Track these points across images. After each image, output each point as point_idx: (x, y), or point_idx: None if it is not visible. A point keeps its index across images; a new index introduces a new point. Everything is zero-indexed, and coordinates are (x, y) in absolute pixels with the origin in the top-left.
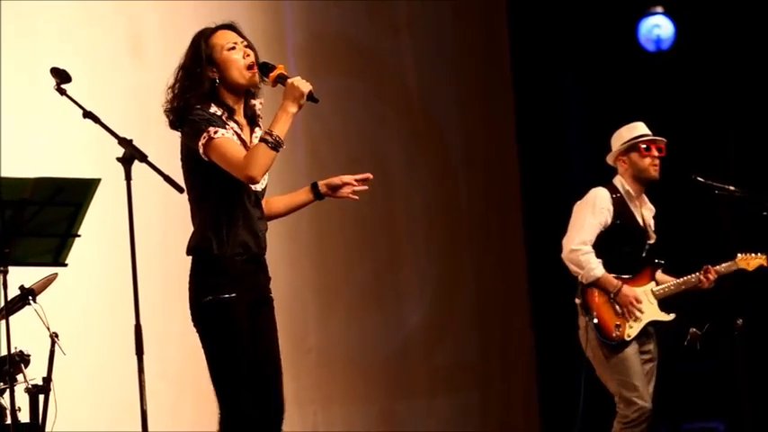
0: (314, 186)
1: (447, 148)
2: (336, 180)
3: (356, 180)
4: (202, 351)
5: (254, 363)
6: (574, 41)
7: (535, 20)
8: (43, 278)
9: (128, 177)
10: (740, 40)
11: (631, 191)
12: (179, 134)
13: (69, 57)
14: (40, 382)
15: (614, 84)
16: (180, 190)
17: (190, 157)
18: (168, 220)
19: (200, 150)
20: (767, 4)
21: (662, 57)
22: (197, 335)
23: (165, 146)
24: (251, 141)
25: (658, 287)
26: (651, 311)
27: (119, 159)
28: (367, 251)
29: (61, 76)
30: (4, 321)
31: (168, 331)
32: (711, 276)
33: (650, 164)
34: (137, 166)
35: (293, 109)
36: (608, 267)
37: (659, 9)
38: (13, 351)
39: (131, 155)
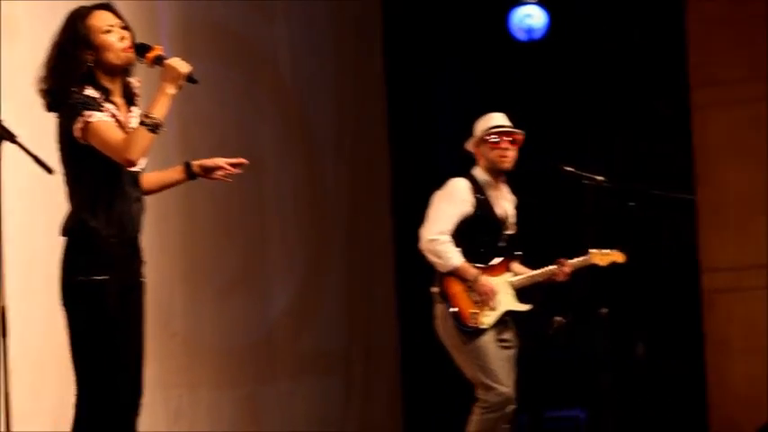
0: (187, 166)
1: (318, 135)
2: (210, 162)
3: (230, 164)
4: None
5: (118, 347)
6: (446, 31)
7: (409, 9)
8: None
9: None
10: (613, 30)
11: (489, 181)
12: (55, 115)
13: None
14: None
15: (486, 73)
16: (49, 171)
17: (66, 139)
18: (35, 201)
19: (78, 134)
20: None
21: (534, 46)
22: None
23: (39, 127)
24: (128, 121)
25: (515, 278)
26: (508, 301)
27: None
28: (236, 236)
29: None
30: None
31: (32, 313)
32: (566, 269)
33: (499, 155)
34: (6, 146)
35: (172, 90)
36: (466, 256)
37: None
38: None
39: (0, 135)
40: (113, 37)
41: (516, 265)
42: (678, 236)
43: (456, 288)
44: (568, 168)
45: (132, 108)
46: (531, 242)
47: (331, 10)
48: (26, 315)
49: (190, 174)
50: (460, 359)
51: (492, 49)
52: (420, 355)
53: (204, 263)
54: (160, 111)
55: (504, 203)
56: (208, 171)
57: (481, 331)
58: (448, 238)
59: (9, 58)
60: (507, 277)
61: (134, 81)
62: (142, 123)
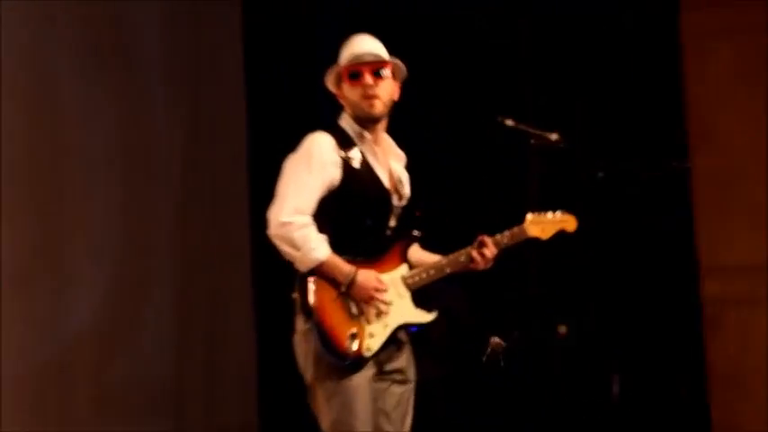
0: None
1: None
2: None
3: None
4: None
5: None
6: None
7: None
8: None
9: None
10: None
11: (362, 133)
12: None
13: None
14: None
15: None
16: None
17: None
18: None
19: None
20: None
21: None
22: None
23: None
24: None
25: (411, 272)
26: (402, 310)
27: None
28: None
29: None
30: None
31: None
32: (489, 252)
33: (361, 96)
34: None
35: None
36: (337, 247)
37: None
38: None
39: None
40: None
41: (415, 253)
42: (668, 222)
43: (324, 294)
44: (509, 122)
45: None
46: (439, 219)
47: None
48: None
49: None
50: (320, 400)
51: None
52: (288, 393)
53: None
54: None
55: (392, 163)
56: None
57: (360, 362)
58: (308, 219)
59: None
60: (400, 272)
61: None
62: None
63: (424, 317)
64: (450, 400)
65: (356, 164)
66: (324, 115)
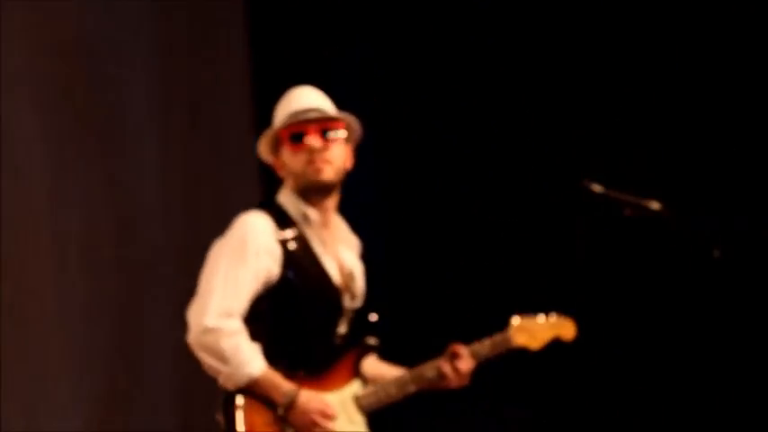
0: None
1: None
2: None
3: None
4: None
5: None
6: None
7: None
8: None
9: None
10: None
11: (309, 213)
12: None
13: None
14: None
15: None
16: None
17: None
18: None
19: None
20: None
21: None
22: None
23: None
24: None
25: (366, 390)
26: None
27: None
28: None
29: None
30: None
31: None
32: (464, 365)
33: (306, 163)
34: None
35: None
36: (272, 358)
37: None
38: None
39: None
40: None
41: (372, 366)
42: None
43: (256, 419)
44: (596, 187)
45: None
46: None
47: None
48: None
49: None
50: None
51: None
52: None
53: None
54: None
55: (343, 252)
56: None
57: None
58: (238, 324)
59: None
60: (352, 390)
61: None
62: None
63: None
64: None
65: (299, 253)
66: None
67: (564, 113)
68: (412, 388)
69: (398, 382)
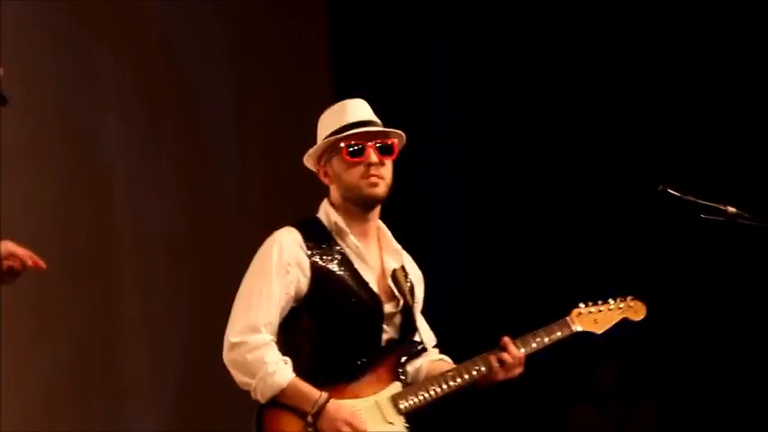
0: None
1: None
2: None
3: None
4: None
5: None
6: None
7: None
8: None
9: None
10: None
11: (344, 226)
12: None
13: None
14: None
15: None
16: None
17: None
18: None
19: None
20: None
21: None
22: None
23: None
24: None
25: (405, 390)
26: None
27: None
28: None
29: None
30: None
31: None
32: (509, 357)
33: (361, 176)
34: None
35: None
36: (319, 369)
37: None
38: None
39: None
40: None
41: (420, 366)
42: None
43: (286, 429)
44: (672, 191)
45: None
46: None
47: None
48: None
49: None
50: None
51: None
52: None
53: None
54: None
55: (386, 260)
56: None
57: None
58: (265, 338)
59: None
60: (390, 391)
61: None
62: None
63: None
64: None
65: (332, 265)
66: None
67: (644, 117)
68: (456, 383)
69: (440, 379)
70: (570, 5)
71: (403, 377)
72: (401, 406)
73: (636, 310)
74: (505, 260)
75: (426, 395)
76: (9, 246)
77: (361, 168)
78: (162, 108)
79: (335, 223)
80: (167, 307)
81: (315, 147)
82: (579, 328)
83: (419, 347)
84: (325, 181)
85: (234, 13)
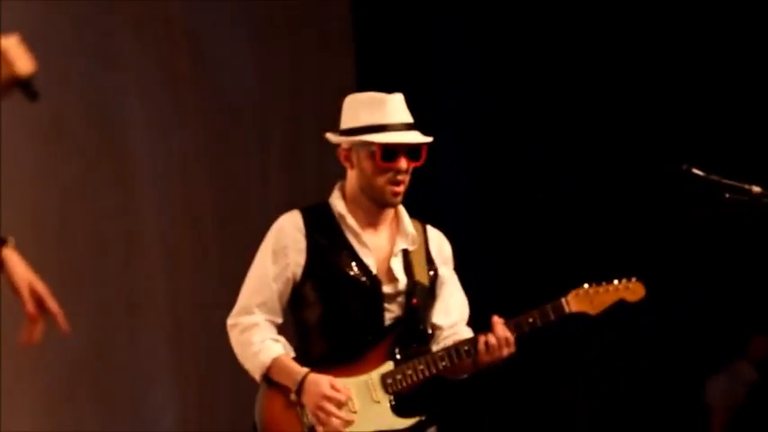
0: None
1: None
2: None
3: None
4: None
5: None
6: None
7: None
8: None
9: None
10: None
11: (344, 211)
12: None
13: None
14: None
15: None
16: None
17: None
18: None
19: None
20: None
21: None
22: None
23: None
24: None
25: (394, 369)
26: (373, 418)
27: None
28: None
29: None
30: None
31: None
32: (494, 339)
33: (388, 182)
34: None
35: None
36: (321, 350)
37: None
38: None
39: None
40: None
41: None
42: None
43: (276, 405)
44: (696, 170)
45: None
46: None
47: None
48: None
49: None
50: None
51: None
52: None
53: None
54: None
55: (399, 242)
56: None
57: None
58: (256, 318)
59: None
60: (381, 370)
61: None
62: None
63: (402, 423)
64: None
65: (330, 247)
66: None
67: (668, 99)
68: (441, 364)
69: (429, 359)
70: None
71: (398, 357)
72: (389, 386)
73: (633, 291)
74: (520, 256)
75: (413, 375)
76: (34, 284)
77: (390, 174)
78: (185, 88)
79: (335, 207)
80: (192, 286)
81: (351, 139)
82: (573, 310)
83: (420, 328)
84: (345, 164)
85: None
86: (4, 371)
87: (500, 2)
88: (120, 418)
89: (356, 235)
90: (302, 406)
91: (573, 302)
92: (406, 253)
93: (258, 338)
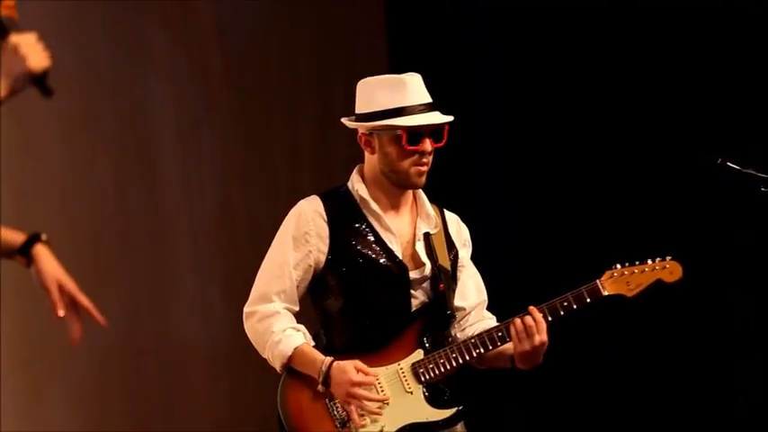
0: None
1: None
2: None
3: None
4: None
5: None
6: None
7: None
8: None
9: None
10: None
11: (366, 196)
12: None
13: None
14: None
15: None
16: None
17: None
18: None
19: None
20: None
21: None
22: None
23: None
24: None
25: (425, 358)
26: (407, 408)
27: None
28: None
29: None
30: None
31: None
32: (531, 321)
33: (412, 164)
34: None
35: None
36: (346, 338)
37: None
38: None
39: None
40: None
41: (453, 333)
42: None
43: (303, 396)
44: (731, 164)
45: None
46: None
47: None
48: None
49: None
50: None
51: None
52: None
53: None
54: None
55: (420, 225)
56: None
57: None
58: (275, 307)
59: None
60: (413, 359)
61: None
62: None
63: (439, 414)
64: None
65: (353, 233)
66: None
67: (704, 92)
68: (478, 351)
69: (462, 347)
70: None
71: (427, 345)
72: (421, 375)
73: (671, 271)
74: (551, 243)
75: (446, 363)
76: (63, 281)
77: (415, 157)
78: (215, 83)
79: (357, 191)
80: (222, 280)
81: (371, 123)
82: (609, 292)
83: (447, 313)
84: (366, 150)
85: None
86: (35, 367)
87: None
88: (150, 417)
89: (379, 219)
90: (331, 398)
91: (608, 285)
92: (427, 236)
93: (278, 327)
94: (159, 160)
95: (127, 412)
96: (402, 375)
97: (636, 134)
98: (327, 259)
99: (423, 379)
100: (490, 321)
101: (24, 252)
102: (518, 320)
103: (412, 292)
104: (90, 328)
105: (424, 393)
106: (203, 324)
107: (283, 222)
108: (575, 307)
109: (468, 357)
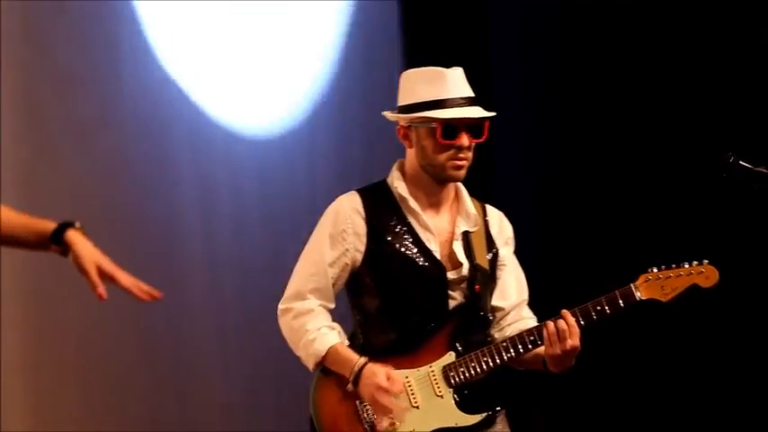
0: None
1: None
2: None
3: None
4: None
5: None
6: None
7: None
8: None
9: None
10: None
11: (406, 194)
12: None
13: None
14: None
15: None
16: None
17: None
18: None
19: None
20: None
21: None
22: None
23: None
24: None
25: (456, 361)
26: (435, 413)
27: None
28: None
29: None
30: None
31: None
32: (564, 324)
33: (449, 158)
34: None
35: None
36: (381, 338)
37: None
38: None
39: None
40: None
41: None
42: None
43: (332, 395)
44: (742, 162)
45: None
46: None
47: None
48: None
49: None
50: None
51: None
52: None
53: None
54: None
55: (460, 223)
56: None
57: None
58: (311, 304)
59: None
60: (445, 361)
61: None
62: None
63: (468, 419)
64: None
65: (391, 231)
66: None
67: (715, 89)
68: (510, 354)
69: (493, 351)
70: None
71: (459, 347)
72: (452, 378)
73: (707, 276)
74: (578, 244)
75: (477, 367)
76: (101, 263)
77: (451, 151)
78: None
79: (396, 188)
80: (235, 279)
81: (409, 116)
82: (643, 297)
83: (481, 314)
84: (404, 143)
85: None
86: (47, 370)
87: None
88: (166, 415)
89: (418, 217)
90: (360, 399)
91: (643, 289)
92: (466, 235)
93: (313, 325)
94: (171, 152)
95: (142, 424)
96: (433, 378)
97: (657, 132)
98: (364, 258)
99: (453, 382)
100: (529, 321)
101: (57, 240)
102: (550, 324)
103: (449, 292)
104: (103, 324)
105: (454, 398)
106: (215, 321)
107: (321, 218)
108: (608, 311)
109: (499, 361)
